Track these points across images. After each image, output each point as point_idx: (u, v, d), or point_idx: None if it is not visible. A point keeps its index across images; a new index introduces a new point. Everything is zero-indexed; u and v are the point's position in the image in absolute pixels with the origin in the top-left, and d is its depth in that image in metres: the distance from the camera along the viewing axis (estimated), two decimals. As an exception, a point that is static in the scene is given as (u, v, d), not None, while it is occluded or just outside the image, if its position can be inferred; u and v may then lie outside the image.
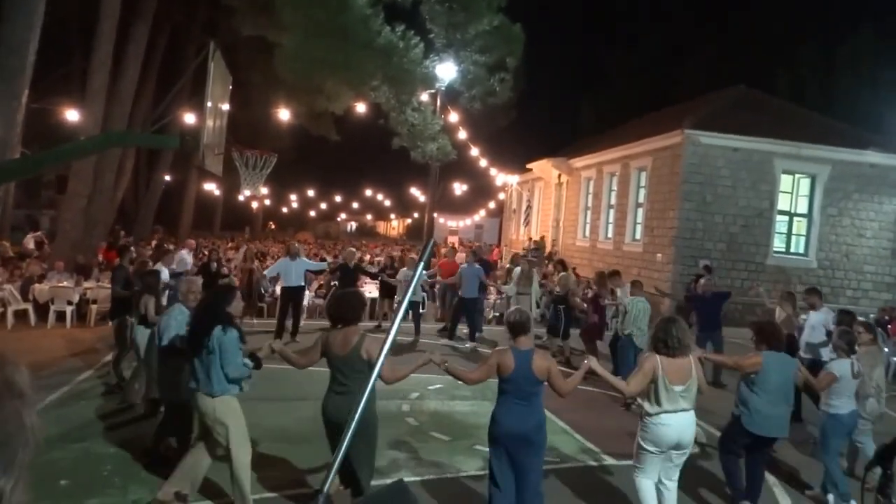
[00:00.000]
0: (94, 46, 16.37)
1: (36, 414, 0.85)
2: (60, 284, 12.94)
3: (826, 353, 7.95)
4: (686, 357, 4.71)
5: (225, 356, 4.69)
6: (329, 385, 4.72)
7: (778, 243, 18.01)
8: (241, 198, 39.46)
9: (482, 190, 35.73)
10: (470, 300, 12.24)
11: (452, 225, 43.24)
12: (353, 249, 14.64)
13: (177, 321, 5.68)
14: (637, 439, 4.83)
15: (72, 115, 17.90)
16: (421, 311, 13.11)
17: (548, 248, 25.47)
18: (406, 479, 5.84)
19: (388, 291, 13.66)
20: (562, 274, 13.09)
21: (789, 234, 18.21)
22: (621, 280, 11.33)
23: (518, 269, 12.85)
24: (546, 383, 4.55)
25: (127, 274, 9.13)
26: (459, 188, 36.88)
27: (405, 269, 13.46)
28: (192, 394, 4.84)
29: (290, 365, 4.98)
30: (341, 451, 1.37)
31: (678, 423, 4.62)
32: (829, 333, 8.00)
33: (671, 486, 4.87)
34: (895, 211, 18.07)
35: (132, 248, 11.98)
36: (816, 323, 8.53)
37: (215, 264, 12.85)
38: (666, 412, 4.60)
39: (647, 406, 4.67)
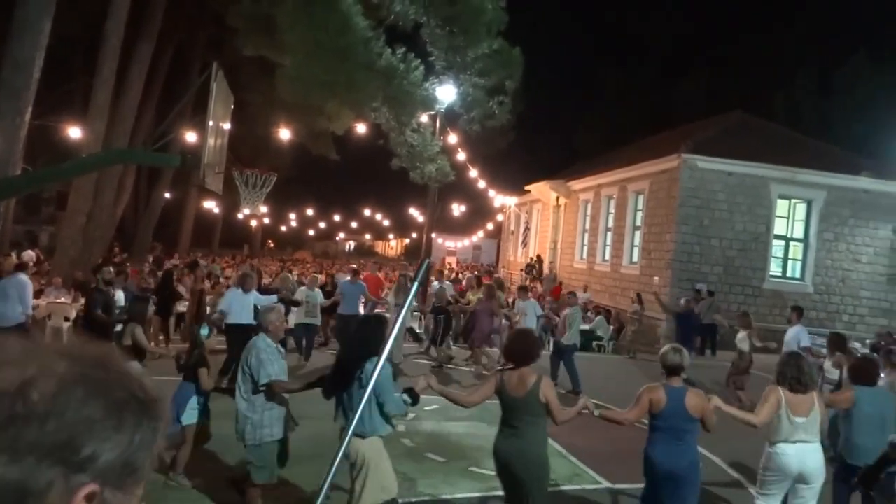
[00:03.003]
0: (98, 64, 16.55)
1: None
2: (58, 300, 12.93)
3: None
4: (809, 392, 4.81)
5: (382, 392, 4.42)
6: (500, 426, 4.55)
7: (774, 268, 18.10)
8: (240, 216, 39.49)
9: (480, 211, 35.90)
10: (350, 316, 11.71)
11: (451, 245, 43.34)
12: (288, 275, 13.72)
13: (271, 354, 4.98)
14: (760, 468, 4.97)
15: (74, 131, 18.06)
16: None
17: (545, 270, 25.55)
18: (400, 501, 5.85)
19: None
20: (435, 285, 13.76)
21: (785, 258, 18.30)
22: (506, 292, 12.85)
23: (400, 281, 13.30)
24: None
25: (107, 298, 8.37)
26: (458, 209, 37.01)
27: (303, 287, 12.38)
28: (342, 432, 4.54)
29: (453, 402, 4.82)
30: (331, 472, 1.41)
31: (798, 453, 4.74)
32: (802, 349, 8.45)
33: None
34: (890, 236, 18.18)
35: (110, 268, 10.96)
36: (791, 338, 9.33)
37: (175, 282, 11.94)
38: (785, 442, 4.72)
39: (770, 436, 4.81)
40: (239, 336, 9.16)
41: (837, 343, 8.39)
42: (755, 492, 5.03)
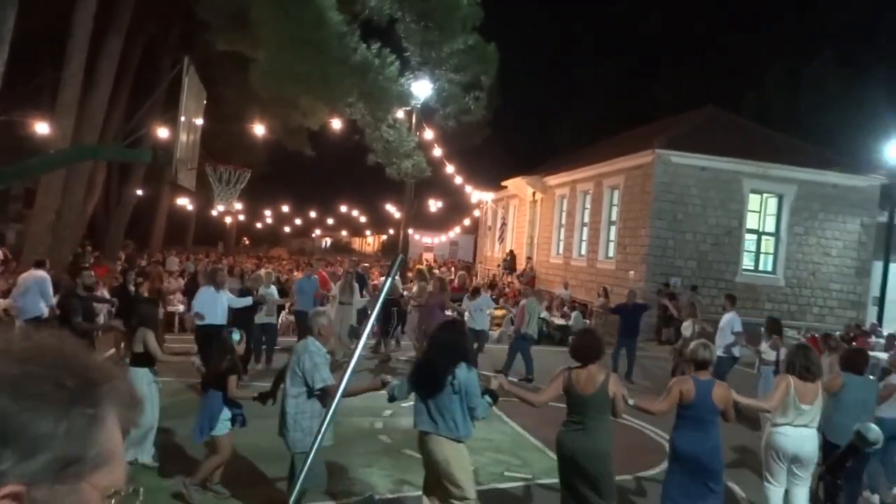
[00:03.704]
0: (66, 59, 16.20)
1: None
2: (26, 300, 12.64)
3: (737, 351, 10.00)
4: (816, 381, 5.25)
5: (471, 396, 4.44)
6: (566, 422, 4.70)
7: (747, 261, 18.37)
8: (214, 213, 39.08)
9: (457, 207, 35.87)
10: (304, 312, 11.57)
11: (427, 241, 43.25)
12: (261, 274, 12.53)
13: (322, 359, 4.87)
14: (762, 450, 5.36)
15: (41, 127, 17.63)
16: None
17: (521, 265, 25.64)
18: (377, 497, 5.83)
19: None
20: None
21: (758, 252, 18.59)
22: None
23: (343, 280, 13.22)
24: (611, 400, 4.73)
25: (86, 304, 7.97)
26: (434, 205, 36.93)
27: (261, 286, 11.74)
28: (423, 437, 4.55)
29: (525, 402, 4.90)
30: (307, 464, 1.38)
31: (798, 437, 5.11)
32: (736, 333, 9.94)
33: (800, 498, 5.23)
34: (858, 230, 18.55)
35: (91, 272, 9.99)
36: (725, 324, 10.15)
37: (133, 287, 11.06)
38: (788, 424, 5.15)
39: (774, 418, 5.27)
40: (210, 339, 8.65)
41: (773, 327, 9.13)
42: (764, 478, 5.38)
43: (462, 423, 4.46)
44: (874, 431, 4.55)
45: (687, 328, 11.21)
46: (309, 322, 5.16)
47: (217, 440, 5.41)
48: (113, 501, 0.77)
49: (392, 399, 4.81)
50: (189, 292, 12.52)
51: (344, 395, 4.31)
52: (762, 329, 9.75)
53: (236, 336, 5.64)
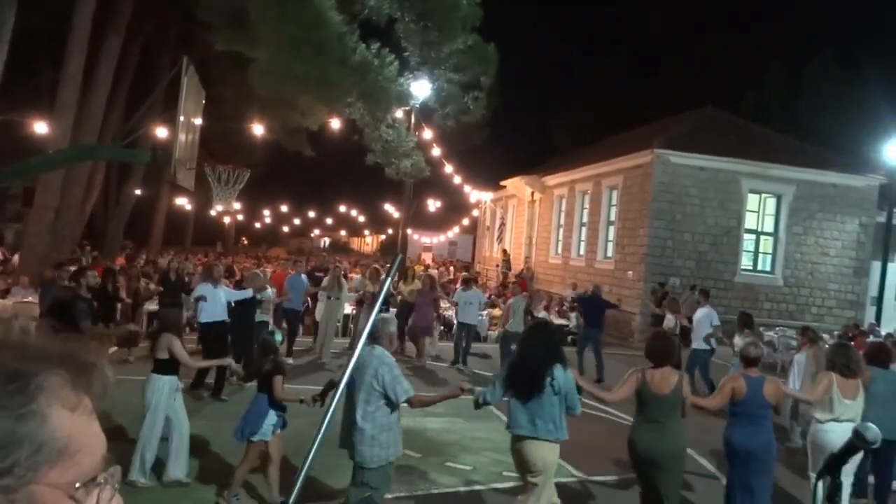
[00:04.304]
0: (65, 59, 16.18)
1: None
2: (24, 300, 12.65)
3: (714, 342, 10.79)
4: (857, 378, 5.51)
5: (571, 396, 4.52)
6: (639, 420, 4.84)
7: (745, 261, 18.38)
8: (213, 213, 39.10)
9: (456, 207, 35.88)
10: (291, 310, 12.03)
11: (426, 241, 43.26)
12: (258, 272, 12.64)
13: (398, 369, 4.76)
14: (808, 446, 5.59)
15: (40, 127, 17.62)
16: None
17: (519, 265, 25.65)
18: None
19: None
20: (382, 278, 13.50)
21: (756, 252, 18.60)
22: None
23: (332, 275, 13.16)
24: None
25: (92, 309, 7.42)
26: (433, 205, 36.92)
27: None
28: (519, 440, 4.54)
29: (598, 399, 5.03)
30: (307, 464, 1.39)
31: (843, 432, 5.12)
32: (714, 327, 10.74)
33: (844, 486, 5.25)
34: (857, 230, 18.57)
35: (95, 272, 9.28)
36: (702, 317, 10.82)
37: (111, 286, 10.67)
38: (834, 421, 5.36)
39: (819, 415, 5.49)
40: (213, 335, 9.00)
41: (745, 322, 9.84)
42: (809, 469, 5.58)
43: (560, 424, 4.53)
44: (872, 430, 4.60)
45: (668, 322, 11.69)
46: (380, 329, 4.80)
47: (257, 446, 5.25)
48: (96, 491, 0.73)
49: (482, 405, 4.78)
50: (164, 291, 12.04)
51: (423, 405, 4.35)
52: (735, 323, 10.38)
53: (278, 336, 5.53)
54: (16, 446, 0.67)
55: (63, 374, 0.74)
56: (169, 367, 5.71)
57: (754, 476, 4.86)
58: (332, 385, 5.02)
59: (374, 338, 4.75)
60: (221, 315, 8.99)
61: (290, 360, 10.73)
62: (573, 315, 16.92)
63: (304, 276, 12.66)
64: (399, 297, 13.20)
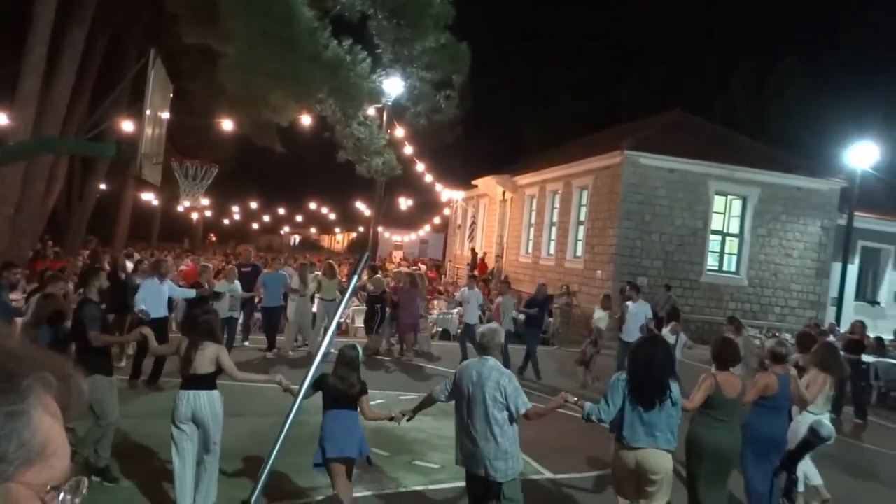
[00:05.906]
0: (27, 49, 15.75)
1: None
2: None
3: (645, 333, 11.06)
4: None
5: (679, 407, 4.65)
6: (705, 419, 5.09)
7: (711, 262, 18.71)
8: (180, 208, 38.45)
9: (427, 205, 35.84)
10: (271, 309, 12.34)
11: (397, 240, 43.13)
12: (207, 265, 12.69)
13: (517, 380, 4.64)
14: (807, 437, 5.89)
15: (0, 118, 17.15)
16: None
17: (491, 264, 25.73)
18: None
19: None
20: (375, 276, 13.81)
21: (722, 252, 18.95)
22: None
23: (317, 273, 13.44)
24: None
25: (103, 315, 6.35)
26: (405, 203, 36.84)
27: (223, 280, 11.69)
28: (636, 451, 4.48)
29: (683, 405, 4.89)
30: (269, 464, 1.37)
31: (828, 421, 5.74)
32: (648, 319, 10.94)
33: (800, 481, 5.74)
34: (819, 232, 19.02)
35: (101, 272, 8.11)
36: (637, 310, 11.00)
37: (122, 273, 10.82)
38: (825, 413, 6.04)
39: (815, 410, 5.96)
40: (154, 331, 8.46)
41: (673, 315, 10.75)
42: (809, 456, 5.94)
43: (673, 434, 4.61)
44: (826, 427, 4.76)
45: (601, 320, 11.77)
46: (487, 340, 4.57)
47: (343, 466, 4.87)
48: (60, 496, 0.74)
49: (595, 420, 4.61)
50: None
51: (539, 417, 4.42)
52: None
53: (360, 352, 5.04)
54: (3, 441, 0.70)
55: (49, 378, 0.77)
56: (214, 380, 5.07)
57: (774, 456, 5.19)
58: (431, 401, 4.87)
59: (483, 348, 4.59)
60: (163, 311, 9.12)
61: (269, 355, 11.62)
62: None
63: (283, 272, 12.97)
64: (367, 293, 13.24)
